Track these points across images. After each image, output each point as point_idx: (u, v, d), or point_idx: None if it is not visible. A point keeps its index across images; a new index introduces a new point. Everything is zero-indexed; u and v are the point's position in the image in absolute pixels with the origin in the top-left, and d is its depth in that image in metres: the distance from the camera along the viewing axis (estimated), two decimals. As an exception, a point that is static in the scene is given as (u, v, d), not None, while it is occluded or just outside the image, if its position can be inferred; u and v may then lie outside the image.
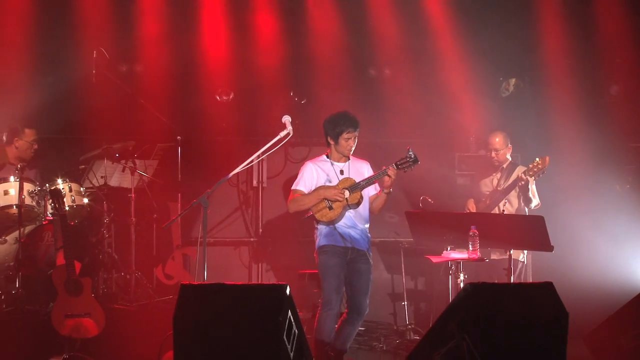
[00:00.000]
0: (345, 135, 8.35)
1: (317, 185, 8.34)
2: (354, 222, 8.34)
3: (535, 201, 9.71)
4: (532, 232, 8.82)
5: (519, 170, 9.74)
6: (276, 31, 11.43)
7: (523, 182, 9.51)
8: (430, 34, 11.56)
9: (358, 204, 8.29)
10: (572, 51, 11.58)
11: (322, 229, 8.35)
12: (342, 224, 8.30)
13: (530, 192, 9.62)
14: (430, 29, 11.54)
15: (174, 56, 11.40)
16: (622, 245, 11.03)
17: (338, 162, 8.45)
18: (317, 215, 8.29)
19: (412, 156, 8.15)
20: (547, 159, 9.41)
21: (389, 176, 8.16)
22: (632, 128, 11.70)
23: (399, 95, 11.72)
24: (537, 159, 9.40)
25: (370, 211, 8.50)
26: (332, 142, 8.43)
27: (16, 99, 10.62)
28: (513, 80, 12.06)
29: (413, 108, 11.58)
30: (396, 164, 8.17)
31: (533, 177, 9.51)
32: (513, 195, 9.81)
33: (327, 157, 8.50)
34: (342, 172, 8.40)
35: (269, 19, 11.38)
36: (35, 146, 10.02)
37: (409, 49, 11.60)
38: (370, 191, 8.43)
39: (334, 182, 8.31)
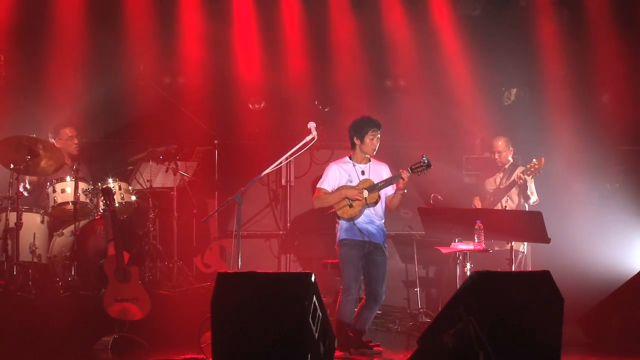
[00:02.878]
0: (370, 134, 8.32)
1: (340, 185, 8.33)
2: (371, 219, 8.32)
3: (534, 198, 9.71)
4: (531, 225, 8.82)
5: (519, 171, 9.75)
6: (302, 47, 11.43)
7: (521, 181, 9.52)
8: (441, 48, 11.55)
9: (376, 203, 8.28)
10: (568, 64, 11.57)
11: (342, 224, 8.33)
12: (361, 220, 8.28)
13: (528, 190, 9.62)
14: (440, 44, 11.54)
15: (211, 69, 11.41)
16: (611, 238, 11.02)
17: (360, 163, 8.42)
18: (339, 212, 8.28)
19: (426, 161, 8.15)
20: (542, 160, 9.42)
21: (402, 179, 8.16)
22: (621, 133, 11.70)
23: (413, 103, 11.71)
24: (534, 160, 9.43)
25: (388, 208, 8.48)
26: (357, 143, 8.39)
27: (72, 106, 10.68)
28: (514, 90, 12.05)
29: (425, 115, 11.58)
30: (411, 168, 8.17)
31: (531, 176, 9.51)
32: (514, 192, 9.82)
33: (350, 158, 8.46)
34: (363, 172, 8.39)
35: (297, 36, 11.39)
36: (75, 141, 10.01)
37: (422, 62, 11.59)
38: (389, 190, 8.41)
39: (355, 182, 8.30)
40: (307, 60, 11.47)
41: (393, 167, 8.47)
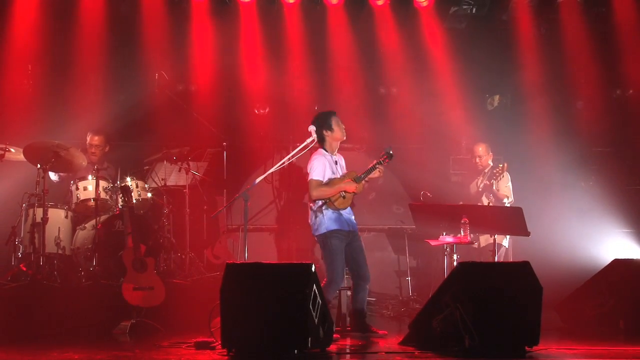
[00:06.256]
0: (334, 121, 8.27)
1: (327, 176, 8.17)
2: (349, 209, 8.29)
3: (507, 201, 9.66)
4: (512, 220, 8.82)
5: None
6: (304, 58, 11.42)
7: (488, 184, 9.54)
8: (430, 59, 11.55)
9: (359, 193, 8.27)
10: (546, 73, 11.57)
11: (328, 214, 8.12)
12: (345, 211, 8.20)
13: (500, 191, 9.57)
14: (430, 55, 11.53)
15: (221, 78, 11.43)
16: (586, 231, 11.01)
17: (332, 154, 8.32)
18: (336, 203, 8.09)
19: (390, 152, 8.15)
20: (505, 165, 9.53)
21: (379, 170, 8.15)
22: (594, 136, 11.70)
23: (404, 108, 11.71)
24: (500, 165, 9.45)
25: None
26: (328, 134, 8.25)
27: (94, 113, 10.69)
28: (497, 97, 12.05)
29: (415, 119, 11.57)
30: (381, 161, 8.14)
31: (496, 180, 9.50)
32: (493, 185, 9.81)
33: (325, 151, 8.32)
34: (336, 162, 8.31)
35: (298, 47, 11.38)
36: (93, 150, 9.99)
37: (412, 71, 11.58)
38: None
39: (336, 174, 8.20)
40: (308, 69, 11.47)
41: (386, 167, 8.42)
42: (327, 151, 8.30)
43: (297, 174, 11.69)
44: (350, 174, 8.24)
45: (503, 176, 9.53)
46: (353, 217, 8.32)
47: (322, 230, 8.15)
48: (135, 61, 11.10)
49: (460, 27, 11.58)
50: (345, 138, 8.38)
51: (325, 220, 8.14)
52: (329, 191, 8.12)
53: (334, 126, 8.27)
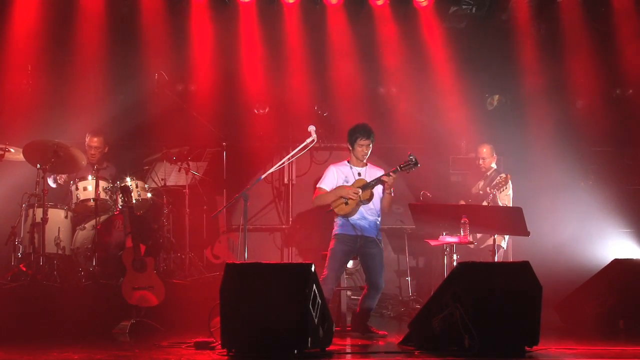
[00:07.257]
0: (359, 142, 8.37)
1: (337, 185, 8.38)
2: (363, 215, 8.35)
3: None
4: (512, 220, 8.80)
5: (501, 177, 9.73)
6: (303, 57, 11.41)
7: (491, 195, 9.48)
8: (430, 58, 11.52)
9: (369, 200, 8.29)
10: (545, 72, 11.56)
11: (338, 220, 8.41)
12: (355, 217, 8.33)
13: (500, 203, 9.53)
14: (429, 55, 11.51)
15: (220, 78, 11.41)
16: (586, 231, 11.00)
17: (356, 166, 8.47)
18: (336, 210, 8.31)
19: (413, 160, 8.16)
20: (509, 176, 9.47)
21: (384, 181, 8.17)
22: (594, 135, 11.68)
23: (403, 108, 11.71)
24: (502, 175, 9.44)
25: (382, 209, 8.50)
26: (350, 148, 8.46)
27: (93, 112, 10.70)
28: (497, 97, 12.02)
29: (415, 119, 11.57)
30: (400, 167, 8.19)
31: (499, 191, 9.45)
32: (496, 194, 9.76)
33: (348, 162, 8.53)
34: (359, 174, 8.42)
35: (298, 47, 11.36)
36: (92, 152, 9.97)
37: (412, 71, 11.57)
38: (382, 192, 8.42)
39: (351, 183, 8.35)
40: (307, 69, 11.45)
41: (387, 165, 8.45)
42: (349, 162, 8.54)
43: (297, 174, 11.70)
44: (358, 181, 8.34)
45: (506, 187, 9.50)
46: (369, 222, 8.40)
47: (332, 233, 8.49)
48: (135, 61, 11.08)
49: (460, 26, 11.56)
50: (364, 161, 8.50)
51: (336, 225, 8.46)
52: (324, 198, 8.42)
53: (356, 146, 8.43)
